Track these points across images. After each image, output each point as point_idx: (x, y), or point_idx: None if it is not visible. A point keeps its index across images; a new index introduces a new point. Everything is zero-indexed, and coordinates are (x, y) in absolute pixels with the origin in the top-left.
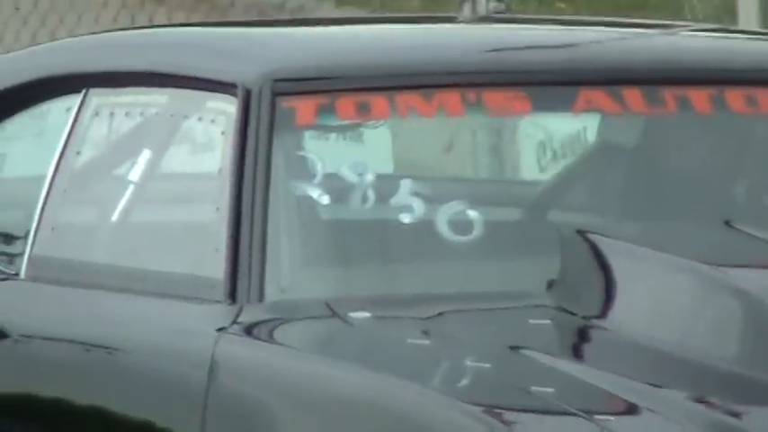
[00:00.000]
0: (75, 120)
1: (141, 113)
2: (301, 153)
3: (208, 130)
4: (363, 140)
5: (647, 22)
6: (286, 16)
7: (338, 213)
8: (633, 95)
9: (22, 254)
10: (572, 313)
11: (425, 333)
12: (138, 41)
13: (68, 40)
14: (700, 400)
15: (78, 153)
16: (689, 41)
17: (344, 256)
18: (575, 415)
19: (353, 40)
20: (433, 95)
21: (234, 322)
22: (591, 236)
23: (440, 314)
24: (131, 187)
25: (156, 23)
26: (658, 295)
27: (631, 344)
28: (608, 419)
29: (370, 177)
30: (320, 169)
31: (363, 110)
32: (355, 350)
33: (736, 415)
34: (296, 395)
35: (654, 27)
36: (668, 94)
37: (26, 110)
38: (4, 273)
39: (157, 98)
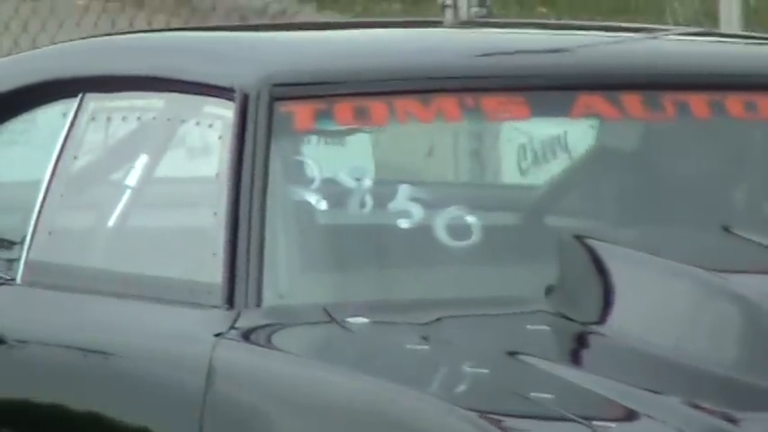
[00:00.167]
0: (72, 124)
1: (138, 118)
2: (299, 158)
3: (205, 135)
4: (361, 145)
5: (633, 25)
6: (267, 21)
7: (336, 218)
8: (632, 100)
9: (18, 259)
10: (570, 319)
11: (424, 339)
12: (135, 46)
13: (64, 44)
14: (697, 406)
15: (75, 158)
16: (688, 46)
17: (342, 261)
18: (573, 421)
19: (351, 44)
20: (431, 100)
21: (231, 327)
22: (589, 241)
23: (438, 320)
24: (128, 192)
25: (136, 28)
26: (656, 301)
27: (629, 349)
28: (606, 425)
29: (368, 182)
30: (318, 174)
31: (361, 115)
32: (353, 356)
33: (733, 421)
34: (294, 400)
35: (639, 31)
36: (667, 99)
37: (22, 114)
38: (0, 278)
39: (154, 102)
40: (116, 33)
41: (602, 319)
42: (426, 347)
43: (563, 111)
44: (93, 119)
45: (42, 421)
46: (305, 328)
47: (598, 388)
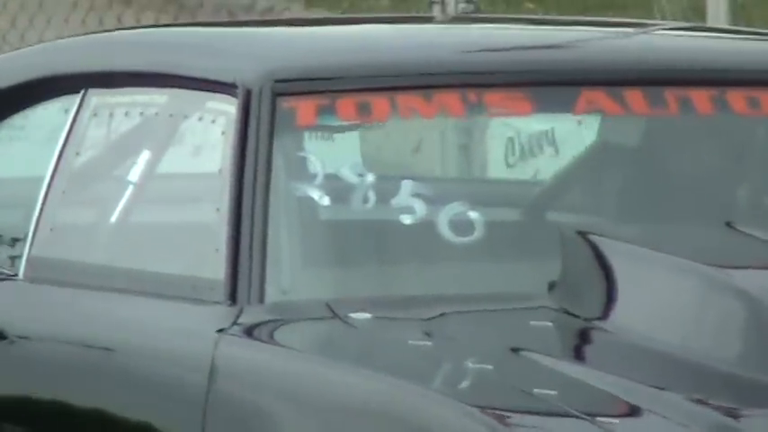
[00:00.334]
0: (74, 120)
1: (141, 114)
2: (302, 153)
3: (207, 131)
4: (364, 141)
5: (623, 20)
6: (256, 17)
7: (339, 214)
8: (634, 96)
9: (20, 254)
10: (573, 315)
11: (427, 334)
12: (138, 41)
13: (67, 39)
14: (701, 402)
15: (77, 153)
16: (689, 42)
17: (345, 256)
18: (576, 417)
19: (354, 40)
20: (434, 96)
21: (234, 323)
22: (592, 237)
23: (441, 315)
24: (131, 188)
25: (124, 25)
26: (660, 296)
27: (633, 345)
28: (610, 421)
29: (370, 178)
30: (321, 170)
31: (364, 110)
32: (356, 351)
33: (737, 417)
34: (296, 397)
35: (630, 26)
36: (669, 94)
37: (24, 110)
38: (2, 273)
39: (157, 98)
40: (116, 30)
41: (606, 314)
42: (429, 343)
43: (566, 106)
44: (95, 114)
45: (44, 417)
46: (308, 324)
47: (601, 384)
